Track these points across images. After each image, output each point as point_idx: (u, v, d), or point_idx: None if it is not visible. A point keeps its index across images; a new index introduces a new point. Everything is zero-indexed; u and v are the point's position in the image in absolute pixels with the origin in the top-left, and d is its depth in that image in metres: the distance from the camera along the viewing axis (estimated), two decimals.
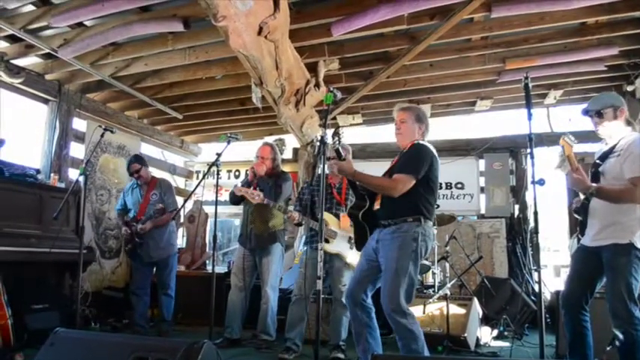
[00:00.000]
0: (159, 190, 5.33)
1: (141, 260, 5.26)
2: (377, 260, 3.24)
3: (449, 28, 4.86)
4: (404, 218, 3.17)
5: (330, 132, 3.18)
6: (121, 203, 5.58)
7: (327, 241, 4.31)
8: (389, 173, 3.35)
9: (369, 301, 3.32)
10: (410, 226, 3.14)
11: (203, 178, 4.55)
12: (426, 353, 3.13)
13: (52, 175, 5.68)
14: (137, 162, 5.33)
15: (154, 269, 5.42)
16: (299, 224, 4.54)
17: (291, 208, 4.72)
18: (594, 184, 3.09)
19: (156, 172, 6.63)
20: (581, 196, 3.23)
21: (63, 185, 5.59)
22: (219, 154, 4.24)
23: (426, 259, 5.47)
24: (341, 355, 4.28)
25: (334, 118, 7.26)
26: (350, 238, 4.44)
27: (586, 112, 3.28)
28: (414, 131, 3.37)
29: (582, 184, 3.07)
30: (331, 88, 3.04)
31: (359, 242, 3.48)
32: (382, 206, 3.28)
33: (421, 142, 3.34)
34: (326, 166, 3.19)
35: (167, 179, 5.78)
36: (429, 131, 3.45)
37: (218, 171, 4.38)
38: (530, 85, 3.02)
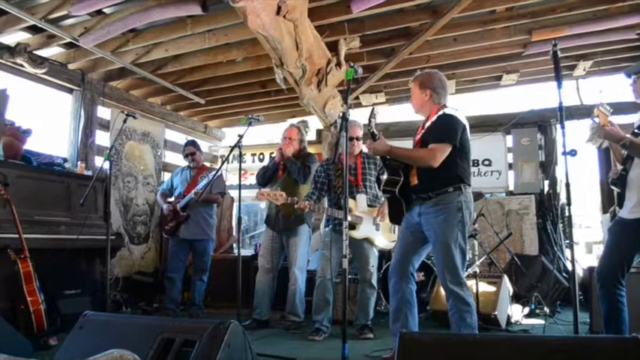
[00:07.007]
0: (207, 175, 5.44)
1: (178, 239, 5.45)
2: (422, 232, 3.22)
3: (472, 0, 4.72)
4: (445, 189, 3.13)
5: (354, 111, 3.13)
6: (167, 183, 5.87)
7: (353, 227, 4.32)
8: (419, 145, 3.27)
9: (415, 275, 3.32)
10: (452, 196, 3.12)
11: (225, 160, 4.52)
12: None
13: (78, 163, 5.77)
14: (192, 145, 5.79)
15: (190, 254, 5.61)
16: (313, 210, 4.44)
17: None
18: (628, 136, 2.95)
19: (179, 158, 6.78)
20: (619, 167, 3.11)
21: (90, 173, 5.64)
22: (240, 136, 4.23)
23: None
24: (370, 335, 4.31)
25: (357, 98, 7.17)
26: (374, 219, 4.43)
27: (628, 76, 3.17)
28: (422, 99, 3.35)
29: (616, 134, 2.94)
30: (352, 64, 2.97)
31: (395, 217, 3.46)
32: (420, 180, 3.21)
33: (447, 111, 3.23)
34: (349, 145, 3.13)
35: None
36: (440, 93, 3.32)
37: (241, 153, 4.36)
38: (559, 54, 2.90)
